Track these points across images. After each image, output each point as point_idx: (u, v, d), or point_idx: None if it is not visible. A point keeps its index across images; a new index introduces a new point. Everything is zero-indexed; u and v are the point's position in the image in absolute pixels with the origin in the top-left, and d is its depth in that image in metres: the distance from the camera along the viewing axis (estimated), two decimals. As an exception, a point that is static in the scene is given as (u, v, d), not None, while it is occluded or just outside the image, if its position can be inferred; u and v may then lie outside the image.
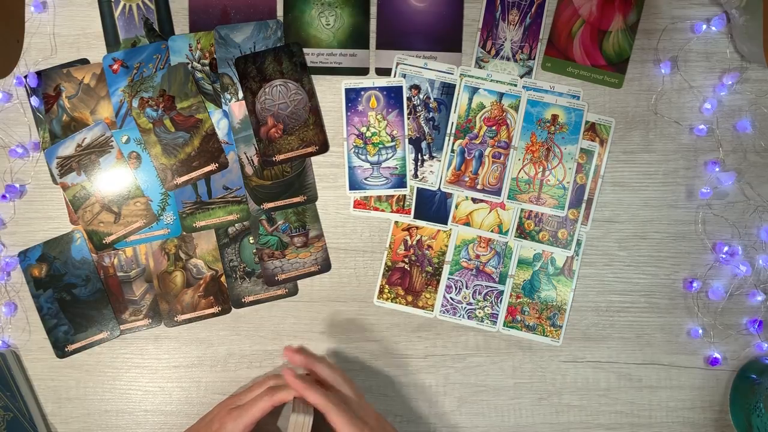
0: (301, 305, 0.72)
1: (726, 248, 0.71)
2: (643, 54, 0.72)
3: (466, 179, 0.72)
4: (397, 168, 0.72)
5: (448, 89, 0.71)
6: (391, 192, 0.72)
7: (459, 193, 0.72)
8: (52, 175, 0.70)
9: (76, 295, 0.71)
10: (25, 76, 0.70)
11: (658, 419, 0.72)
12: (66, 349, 0.71)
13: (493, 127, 0.72)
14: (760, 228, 0.72)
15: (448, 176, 0.72)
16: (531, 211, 0.72)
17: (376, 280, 0.72)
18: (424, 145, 0.72)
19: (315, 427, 0.61)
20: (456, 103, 0.71)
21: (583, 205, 0.72)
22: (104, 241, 0.70)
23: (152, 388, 0.72)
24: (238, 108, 0.71)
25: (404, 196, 0.72)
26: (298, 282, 0.72)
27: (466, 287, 0.72)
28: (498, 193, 0.72)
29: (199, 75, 0.70)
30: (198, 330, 0.72)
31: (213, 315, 0.72)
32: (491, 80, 0.71)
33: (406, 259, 0.72)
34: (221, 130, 0.71)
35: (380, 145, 0.72)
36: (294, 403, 0.64)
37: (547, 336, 0.72)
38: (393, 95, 0.71)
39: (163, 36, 0.71)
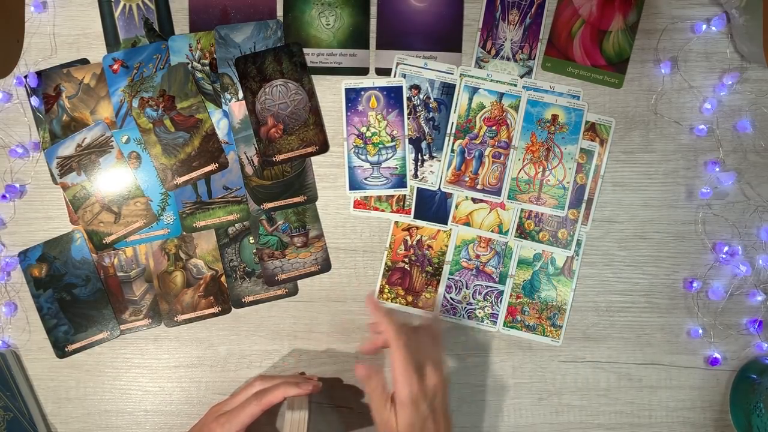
0: (301, 305, 0.72)
1: (726, 248, 0.71)
2: (643, 54, 0.72)
3: (466, 179, 0.72)
4: (397, 168, 0.72)
5: (448, 89, 0.71)
6: (391, 192, 0.72)
7: (459, 193, 0.72)
8: (52, 175, 0.71)
9: (76, 295, 0.71)
10: (25, 76, 0.70)
11: (658, 419, 0.72)
12: (66, 349, 0.71)
13: (493, 127, 0.72)
14: (760, 228, 0.72)
15: (448, 176, 0.72)
16: (531, 211, 0.72)
17: (376, 280, 0.72)
18: (424, 145, 0.72)
19: (310, 425, 0.61)
20: (456, 103, 0.71)
21: (583, 205, 0.72)
22: (104, 241, 0.70)
23: (152, 388, 0.72)
24: (238, 108, 0.71)
25: (404, 196, 0.72)
26: (298, 282, 0.72)
27: (466, 287, 0.72)
28: (498, 193, 0.72)
29: (199, 75, 0.70)
30: (198, 330, 0.72)
31: (213, 315, 0.72)
32: (491, 80, 0.71)
33: (406, 259, 0.72)
34: (221, 130, 0.71)
35: (380, 145, 0.72)
36: (288, 402, 0.64)
37: (547, 336, 0.72)
38: (393, 95, 0.71)
39: (163, 36, 0.71)
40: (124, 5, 0.71)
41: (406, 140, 0.72)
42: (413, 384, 0.57)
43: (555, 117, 0.71)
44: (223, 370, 0.72)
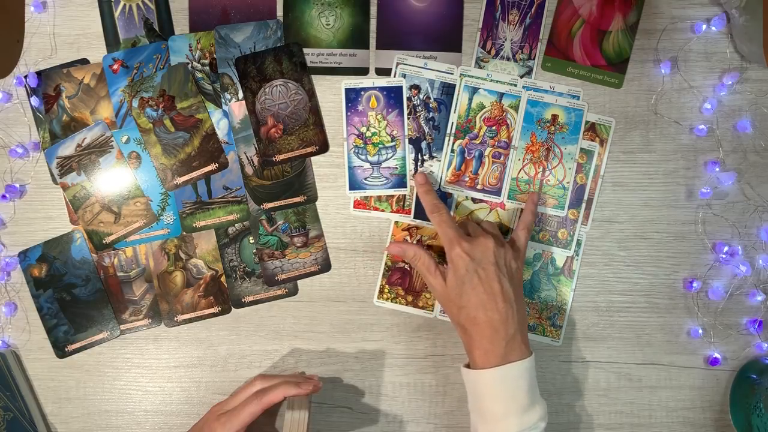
0: (301, 305, 0.72)
1: (726, 248, 0.71)
2: (643, 54, 0.72)
3: (466, 179, 0.72)
4: (397, 168, 0.72)
5: (448, 89, 0.71)
6: (391, 192, 0.72)
7: (459, 193, 0.72)
8: (52, 175, 0.71)
9: (76, 295, 0.71)
10: (25, 76, 0.70)
11: (658, 419, 0.72)
12: (66, 349, 0.71)
13: (493, 127, 0.72)
14: (760, 228, 0.72)
15: (448, 176, 0.72)
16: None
17: (376, 280, 0.72)
18: (424, 145, 0.72)
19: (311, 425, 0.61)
20: (456, 103, 0.71)
21: (583, 205, 0.72)
22: (104, 241, 0.70)
23: (152, 388, 0.72)
24: (238, 108, 0.71)
25: (404, 196, 0.72)
26: (298, 282, 0.72)
27: (466, 287, 0.72)
28: (498, 193, 0.72)
29: (199, 75, 0.70)
30: (198, 330, 0.72)
31: (213, 315, 0.72)
32: (491, 80, 0.71)
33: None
34: (221, 130, 0.71)
35: (380, 145, 0.72)
36: (288, 402, 0.65)
37: (547, 336, 0.72)
38: (393, 95, 0.71)
39: (163, 36, 0.71)
40: (124, 5, 0.71)
41: (406, 140, 0.72)
42: (453, 243, 0.63)
43: (555, 117, 0.71)
44: (223, 370, 0.72)
